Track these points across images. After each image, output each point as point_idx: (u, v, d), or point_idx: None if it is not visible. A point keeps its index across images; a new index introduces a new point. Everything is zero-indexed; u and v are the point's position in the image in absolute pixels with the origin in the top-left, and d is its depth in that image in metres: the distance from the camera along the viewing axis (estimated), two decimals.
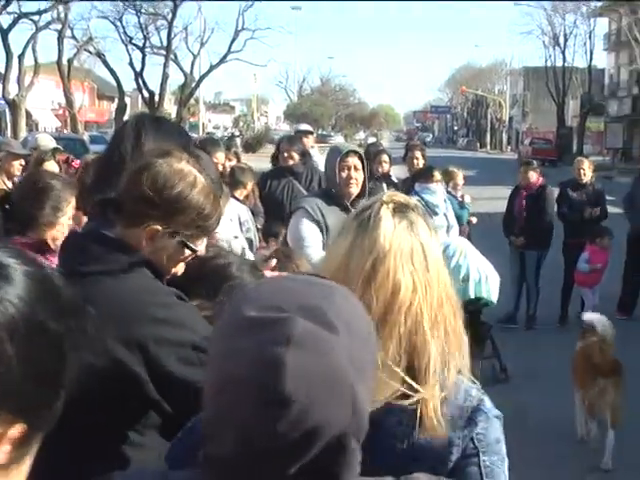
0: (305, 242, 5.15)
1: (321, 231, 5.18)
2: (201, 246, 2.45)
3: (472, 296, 7.53)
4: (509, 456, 1.82)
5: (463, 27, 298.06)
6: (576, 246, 10.26)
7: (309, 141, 10.14)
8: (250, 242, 6.45)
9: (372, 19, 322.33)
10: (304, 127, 11.09)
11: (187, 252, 2.41)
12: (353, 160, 5.24)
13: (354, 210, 1.93)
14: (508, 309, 10.39)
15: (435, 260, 1.83)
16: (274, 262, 2.99)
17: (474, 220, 10.38)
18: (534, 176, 10.68)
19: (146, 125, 2.83)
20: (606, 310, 10.45)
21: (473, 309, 7.56)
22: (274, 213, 7.51)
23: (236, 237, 6.06)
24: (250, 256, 5.35)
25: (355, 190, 5.22)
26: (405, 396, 1.72)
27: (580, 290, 10.37)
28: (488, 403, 1.85)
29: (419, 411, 1.72)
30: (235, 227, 6.35)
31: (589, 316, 7.53)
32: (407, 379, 1.72)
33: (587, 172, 10.75)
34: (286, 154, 8.04)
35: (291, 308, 1.22)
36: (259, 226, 7.45)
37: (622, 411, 6.37)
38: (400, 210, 1.83)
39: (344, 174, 5.22)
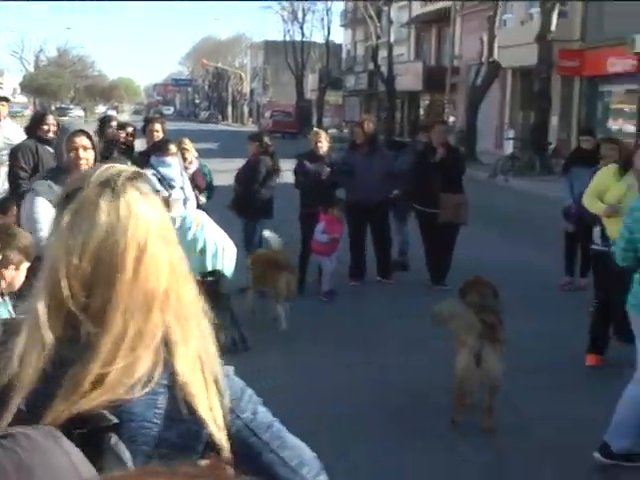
0: (38, 225, 5.05)
1: None
2: None
3: (209, 268, 7.58)
4: None
5: None
6: (312, 216, 10.51)
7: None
8: None
9: None
10: None
11: None
12: (81, 140, 5.23)
13: (64, 188, 1.83)
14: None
15: (160, 229, 1.77)
16: None
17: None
18: (251, 149, 10.89)
19: None
20: (341, 276, 10.92)
21: (212, 280, 7.61)
22: None
23: None
24: None
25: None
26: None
27: (317, 258, 10.65)
28: (231, 372, 1.89)
29: (171, 389, 1.72)
30: None
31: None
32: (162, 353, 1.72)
33: (324, 144, 11.02)
34: None
35: None
36: None
37: None
38: (117, 182, 1.76)
39: (72, 155, 5.22)
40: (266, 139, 11.18)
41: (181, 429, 1.72)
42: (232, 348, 8.05)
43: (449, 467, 5.72)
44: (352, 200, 11.14)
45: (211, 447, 1.75)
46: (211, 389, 1.75)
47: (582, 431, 6.21)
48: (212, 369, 1.78)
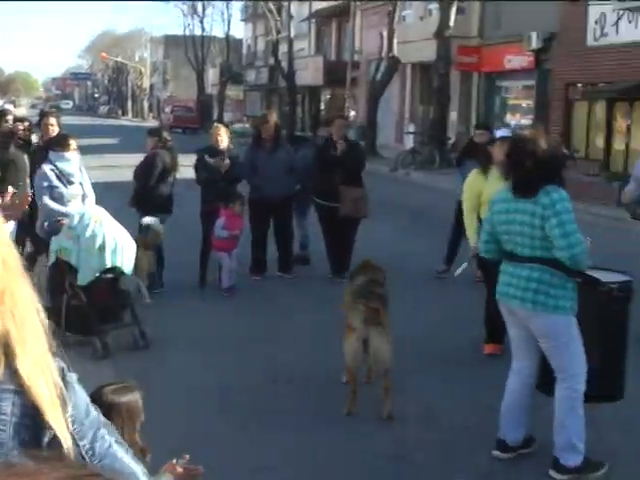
0: None
1: None
2: None
3: (109, 264, 7.49)
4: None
5: None
6: (213, 213, 10.46)
7: None
8: None
9: None
10: None
11: None
12: None
13: None
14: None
15: None
16: None
17: None
18: (149, 144, 10.75)
19: None
20: (242, 272, 10.91)
21: (112, 277, 7.53)
22: None
23: None
24: None
25: None
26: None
27: (217, 254, 10.60)
28: (75, 380, 1.80)
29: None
30: None
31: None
32: None
33: (224, 138, 10.98)
34: None
35: None
36: None
37: None
38: None
39: None
40: (165, 134, 11.05)
41: (27, 435, 1.64)
42: (133, 345, 8.00)
43: (348, 456, 5.76)
44: (256, 196, 11.14)
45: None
46: (54, 394, 1.67)
47: (483, 419, 6.35)
48: (52, 373, 1.69)
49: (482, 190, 7.87)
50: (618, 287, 5.71)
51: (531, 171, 5.30)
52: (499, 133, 7.66)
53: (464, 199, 8.36)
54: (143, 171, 10.60)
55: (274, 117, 11.65)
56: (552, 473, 5.46)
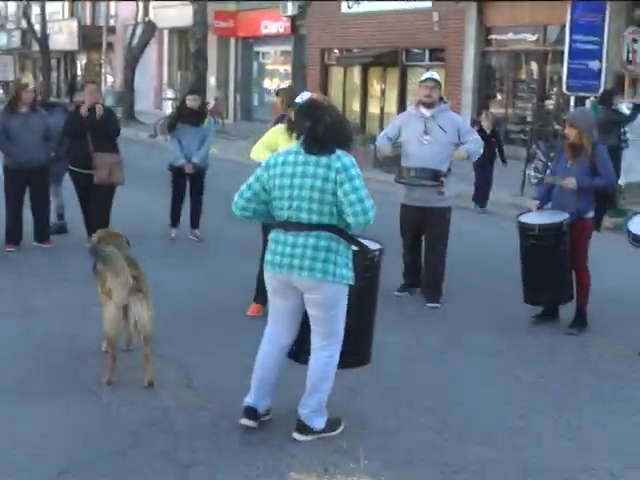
0: None
1: None
2: None
3: None
4: None
5: None
6: None
7: None
8: None
9: None
10: None
11: None
12: None
13: None
14: None
15: None
16: None
17: None
18: None
19: None
20: None
21: None
22: None
23: None
24: None
25: None
26: None
27: None
28: None
29: None
30: None
31: None
32: None
33: None
34: None
35: None
36: None
37: None
38: None
39: None
40: None
41: None
42: None
43: (111, 425, 5.67)
44: (12, 164, 10.72)
45: None
46: None
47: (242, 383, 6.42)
48: None
49: (277, 144, 7.69)
50: (378, 254, 5.83)
51: (324, 134, 5.24)
52: (297, 99, 7.78)
53: (256, 144, 8.20)
54: None
55: (32, 82, 11.24)
56: (297, 436, 5.49)
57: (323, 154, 5.24)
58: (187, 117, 11.64)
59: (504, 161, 16.31)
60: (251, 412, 5.64)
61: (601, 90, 16.81)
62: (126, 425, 5.68)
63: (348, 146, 5.42)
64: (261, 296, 7.63)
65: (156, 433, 5.58)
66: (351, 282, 5.40)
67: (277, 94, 10.45)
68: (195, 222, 11.99)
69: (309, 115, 5.38)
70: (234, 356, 6.98)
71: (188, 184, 11.93)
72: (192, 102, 11.64)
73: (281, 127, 8.08)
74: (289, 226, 5.31)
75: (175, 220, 11.98)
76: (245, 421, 5.63)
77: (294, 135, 5.53)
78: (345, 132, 5.46)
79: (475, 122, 18.16)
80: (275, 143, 7.87)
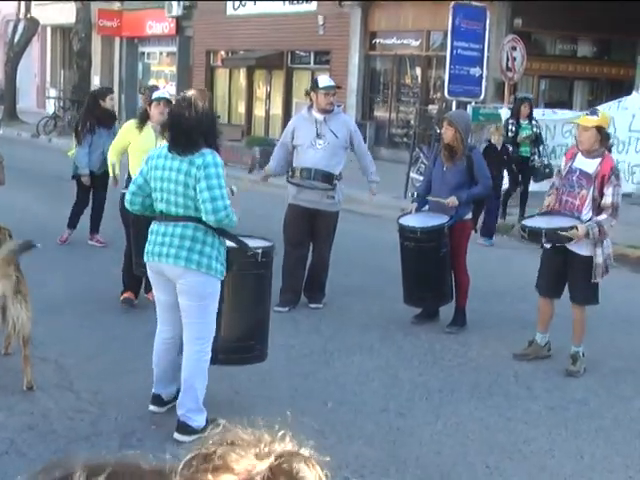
0: None
1: None
2: None
3: None
4: None
5: None
6: None
7: None
8: None
9: None
10: None
11: None
12: None
13: None
14: None
15: None
16: None
17: None
18: None
19: None
20: None
21: None
22: None
23: None
24: None
25: None
26: None
27: None
28: None
29: None
30: None
31: None
32: None
33: None
34: None
35: None
36: None
37: None
38: None
39: None
40: None
41: None
42: None
43: None
44: None
45: None
46: None
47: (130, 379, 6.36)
48: None
49: (130, 141, 8.35)
50: (262, 252, 5.91)
51: (188, 130, 5.34)
52: (155, 94, 8.07)
53: (112, 146, 8.92)
54: None
55: None
56: (178, 436, 5.51)
57: (189, 149, 5.35)
58: (103, 119, 10.87)
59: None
60: (157, 399, 5.89)
61: (482, 96, 17.18)
62: (1, 431, 5.56)
63: (215, 142, 5.54)
64: (127, 284, 8.56)
65: (33, 438, 5.48)
66: (219, 275, 5.48)
67: (142, 93, 10.39)
68: (96, 226, 11.54)
69: (176, 111, 5.53)
70: (115, 358, 6.92)
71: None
72: (110, 102, 10.95)
73: (131, 123, 8.56)
74: (163, 217, 5.49)
75: (73, 222, 11.57)
76: (152, 407, 5.88)
77: (153, 129, 5.81)
78: (210, 130, 5.54)
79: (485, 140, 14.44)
80: (125, 140, 8.48)
